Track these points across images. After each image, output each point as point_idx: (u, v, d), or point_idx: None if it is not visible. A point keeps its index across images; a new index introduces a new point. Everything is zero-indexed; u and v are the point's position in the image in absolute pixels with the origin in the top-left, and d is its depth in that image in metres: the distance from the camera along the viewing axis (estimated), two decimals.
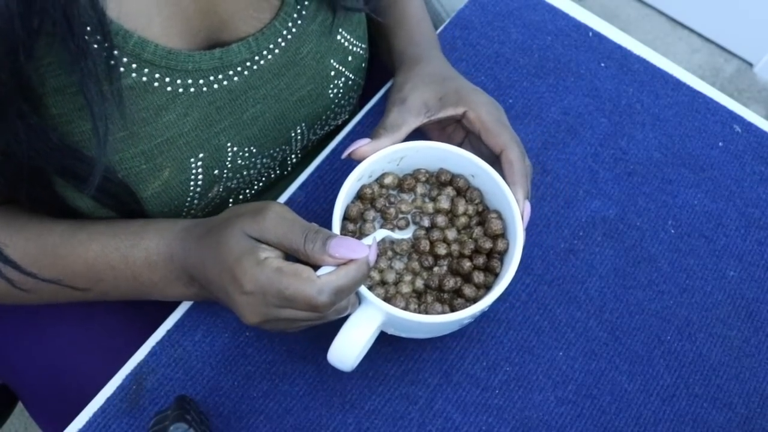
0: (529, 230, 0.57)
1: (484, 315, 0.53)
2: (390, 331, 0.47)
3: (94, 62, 0.41)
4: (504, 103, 0.61)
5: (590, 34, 0.65)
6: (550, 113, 0.61)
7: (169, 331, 0.52)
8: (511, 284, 0.54)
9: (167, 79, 0.45)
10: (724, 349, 0.54)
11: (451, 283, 0.47)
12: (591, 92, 0.62)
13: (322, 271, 0.42)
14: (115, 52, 0.43)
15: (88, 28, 0.40)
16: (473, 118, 0.51)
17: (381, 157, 0.49)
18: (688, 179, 0.59)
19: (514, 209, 0.47)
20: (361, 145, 0.49)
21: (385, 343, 0.52)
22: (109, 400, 0.50)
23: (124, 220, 0.50)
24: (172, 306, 0.53)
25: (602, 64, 0.63)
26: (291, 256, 0.43)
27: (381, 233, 0.47)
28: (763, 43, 1.50)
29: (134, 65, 0.44)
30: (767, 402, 0.52)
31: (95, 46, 0.41)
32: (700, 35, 1.58)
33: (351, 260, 0.42)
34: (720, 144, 0.61)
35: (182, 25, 0.46)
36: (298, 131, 0.56)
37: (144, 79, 0.44)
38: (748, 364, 0.53)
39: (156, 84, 0.45)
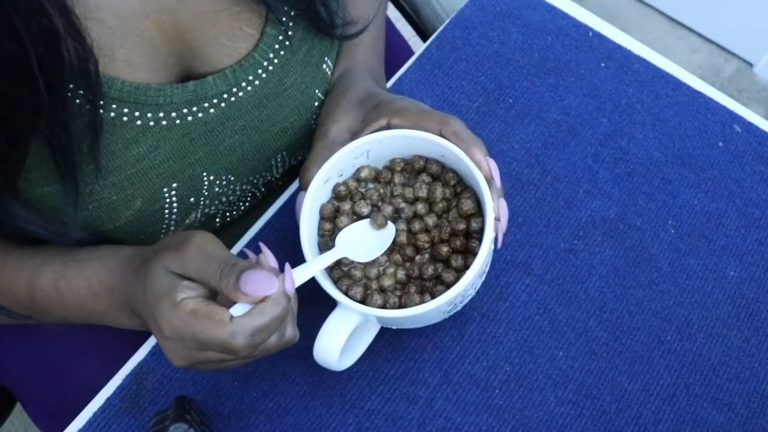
0: (529, 230, 0.57)
1: (484, 315, 0.53)
2: (383, 324, 0.47)
3: (81, 123, 0.41)
4: (504, 103, 0.61)
5: (590, 34, 0.65)
6: (550, 113, 0.61)
7: None
8: (512, 284, 0.54)
9: (136, 113, 0.44)
10: (724, 349, 0.54)
11: (430, 270, 0.47)
12: (591, 92, 0.62)
13: (236, 310, 0.39)
14: (101, 109, 0.42)
15: (71, 86, 0.40)
16: (397, 123, 0.48)
17: (345, 155, 0.47)
18: (688, 179, 0.59)
19: (478, 176, 0.45)
20: (300, 201, 0.47)
21: (385, 343, 0.52)
22: (109, 400, 0.50)
23: (78, 246, 0.49)
24: None
25: (602, 64, 0.63)
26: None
27: (329, 256, 0.45)
28: (763, 43, 1.50)
29: (101, 102, 0.42)
30: (767, 402, 0.52)
31: (87, 106, 0.41)
32: (700, 35, 1.58)
33: (266, 296, 0.39)
34: (720, 144, 0.61)
35: (149, 56, 0.44)
36: (279, 159, 0.55)
37: (112, 114, 0.43)
38: (748, 364, 0.53)
39: (125, 119, 0.44)
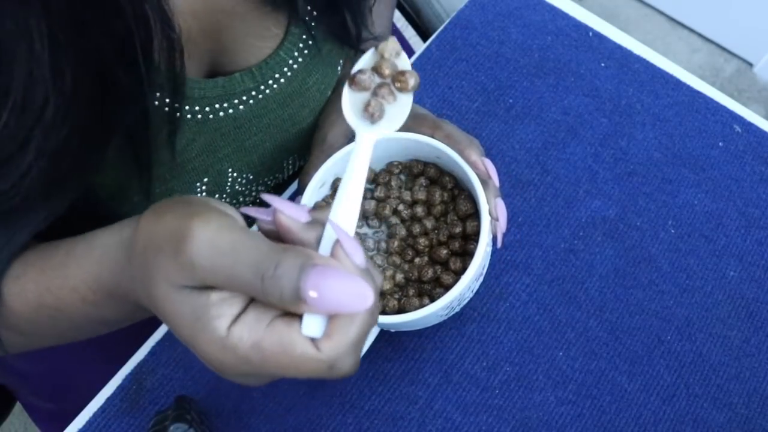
0: (529, 230, 0.57)
1: (483, 315, 0.53)
2: (382, 327, 0.47)
3: (160, 113, 0.40)
4: (504, 103, 0.61)
5: (590, 34, 0.65)
6: (550, 113, 0.61)
7: (169, 331, 0.52)
8: (512, 284, 0.54)
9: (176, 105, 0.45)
10: (724, 349, 0.54)
11: (429, 273, 0.47)
12: (591, 92, 0.62)
13: (312, 328, 0.28)
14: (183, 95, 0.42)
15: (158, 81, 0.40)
16: None
17: (340, 159, 0.47)
18: (688, 179, 0.59)
19: (472, 178, 0.45)
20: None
21: (385, 343, 0.52)
22: (109, 400, 0.50)
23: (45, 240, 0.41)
24: None
25: (602, 64, 0.63)
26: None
27: (361, 158, 0.33)
28: (763, 43, 1.50)
29: (182, 94, 0.42)
30: (767, 402, 0.52)
31: (167, 99, 0.41)
32: (700, 35, 1.58)
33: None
34: (720, 144, 0.61)
35: (190, 51, 0.45)
36: (290, 161, 0.56)
37: (156, 103, 0.44)
38: (748, 364, 0.53)
39: (166, 109, 0.44)
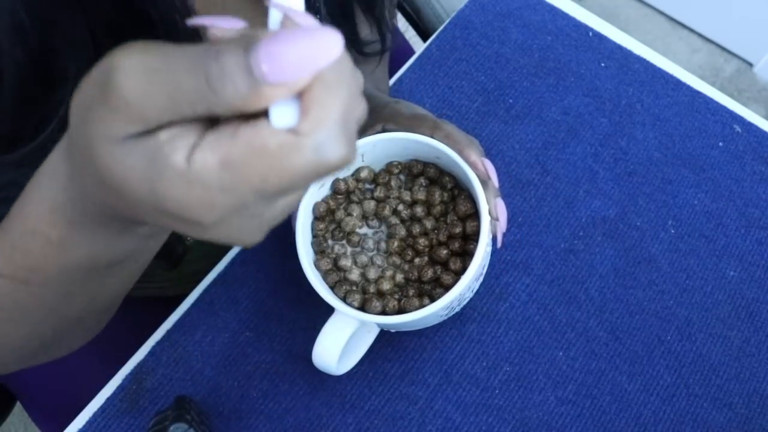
0: (529, 230, 0.57)
1: (484, 315, 0.53)
2: (382, 327, 0.47)
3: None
4: (504, 103, 0.61)
5: (590, 34, 0.65)
6: (550, 113, 0.61)
7: (168, 331, 0.52)
8: (512, 284, 0.54)
9: None
10: (724, 349, 0.54)
11: (429, 273, 0.47)
12: (591, 92, 0.62)
13: (281, 117, 0.22)
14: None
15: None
16: (391, 128, 0.48)
17: None
18: (688, 179, 0.59)
19: (472, 178, 0.45)
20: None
21: (385, 343, 0.52)
22: (109, 400, 0.50)
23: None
24: (173, 306, 0.53)
25: (602, 64, 0.63)
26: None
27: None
28: (763, 43, 1.50)
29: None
30: (767, 402, 0.52)
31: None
32: (700, 35, 1.58)
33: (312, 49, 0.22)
34: (720, 144, 0.61)
35: None
36: None
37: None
38: (748, 364, 0.53)
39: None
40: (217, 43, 0.22)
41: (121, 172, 0.23)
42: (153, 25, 0.37)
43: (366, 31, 0.53)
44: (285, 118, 0.22)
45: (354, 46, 0.51)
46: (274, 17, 0.24)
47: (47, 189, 0.29)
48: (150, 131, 0.23)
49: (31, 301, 0.34)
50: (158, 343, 0.51)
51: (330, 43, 0.21)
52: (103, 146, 0.23)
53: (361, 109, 0.24)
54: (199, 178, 0.22)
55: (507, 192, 0.58)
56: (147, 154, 0.23)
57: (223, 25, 0.23)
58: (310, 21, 0.22)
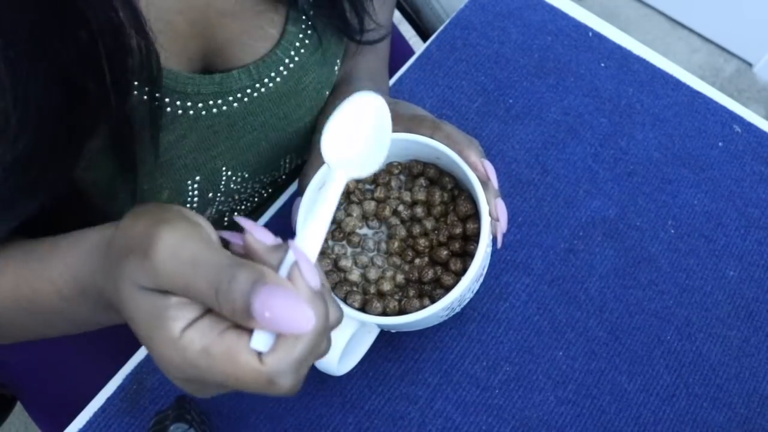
0: (529, 230, 0.57)
1: (484, 315, 0.54)
2: (383, 328, 0.47)
3: (141, 113, 0.41)
4: (504, 103, 0.61)
5: (590, 34, 0.65)
6: (550, 113, 0.61)
7: None
8: (512, 284, 0.54)
9: (167, 100, 0.45)
10: (724, 349, 0.54)
11: (430, 274, 0.46)
12: (591, 92, 0.62)
13: (261, 342, 0.29)
14: (163, 97, 0.42)
15: (135, 82, 0.40)
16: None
17: None
18: (688, 179, 0.59)
19: (472, 178, 0.45)
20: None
21: (385, 343, 0.52)
22: (109, 400, 0.50)
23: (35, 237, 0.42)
24: None
25: (602, 64, 0.63)
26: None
27: (332, 192, 0.33)
28: (763, 43, 1.50)
29: (136, 83, 0.43)
30: (767, 402, 0.52)
31: (146, 98, 0.41)
32: (700, 35, 1.58)
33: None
34: (720, 144, 0.61)
35: (180, 48, 0.45)
36: (288, 159, 0.56)
37: (144, 98, 0.44)
38: (748, 364, 0.53)
39: (156, 104, 0.44)
40: (237, 253, 0.30)
41: (132, 309, 0.30)
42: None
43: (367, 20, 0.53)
44: (261, 343, 0.28)
45: (345, 32, 0.51)
46: (290, 258, 0.30)
47: (79, 258, 0.36)
48: (166, 291, 0.29)
49: (18, 320, 0.42)
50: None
51: (308, 318, 0.28)
52: (128, 285, 0.30)
53: (323, 347, 0.30)
54: (182, 350, 0.29)
55: (507, 192, 0.58)
56: (156, 308, 0.29)
57: (256, 235, 0.30)
58: (314, 278, 0.29)
